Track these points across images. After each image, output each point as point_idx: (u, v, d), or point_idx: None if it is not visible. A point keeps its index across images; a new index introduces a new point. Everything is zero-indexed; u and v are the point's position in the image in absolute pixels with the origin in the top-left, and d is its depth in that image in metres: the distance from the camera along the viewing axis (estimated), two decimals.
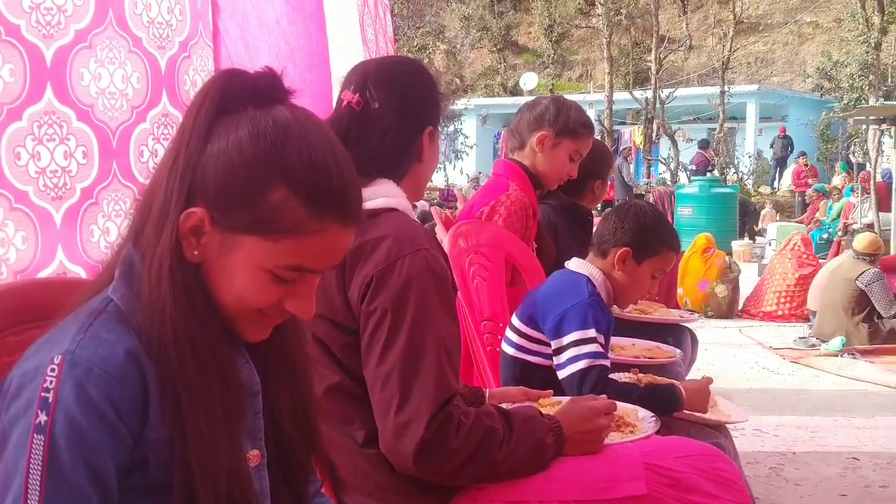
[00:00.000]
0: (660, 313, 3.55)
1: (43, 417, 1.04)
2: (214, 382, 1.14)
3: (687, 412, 2.41)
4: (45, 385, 1.05)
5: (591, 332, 2.37)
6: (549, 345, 2.45)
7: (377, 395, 1.67)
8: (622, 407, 2.06)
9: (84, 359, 1.07)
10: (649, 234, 2.54)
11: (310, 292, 1.20)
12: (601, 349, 2.39)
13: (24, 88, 1.96)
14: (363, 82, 1.86)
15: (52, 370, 1.06)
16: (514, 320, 2.59)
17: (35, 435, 1.04)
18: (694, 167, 17.87)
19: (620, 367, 2.60)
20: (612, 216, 2.62)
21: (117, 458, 1.08)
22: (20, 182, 1.96)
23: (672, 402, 2.34)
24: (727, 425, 2.57)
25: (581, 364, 2.33)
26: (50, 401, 1.05)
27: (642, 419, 2.05)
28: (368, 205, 1.73)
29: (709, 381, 2.50)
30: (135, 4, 2.23)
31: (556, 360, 2.40)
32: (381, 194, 1.79)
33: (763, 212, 17.56)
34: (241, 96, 1.15)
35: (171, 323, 1.12)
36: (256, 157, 1.12)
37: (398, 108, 1.86)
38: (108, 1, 2.15)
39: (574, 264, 2.59)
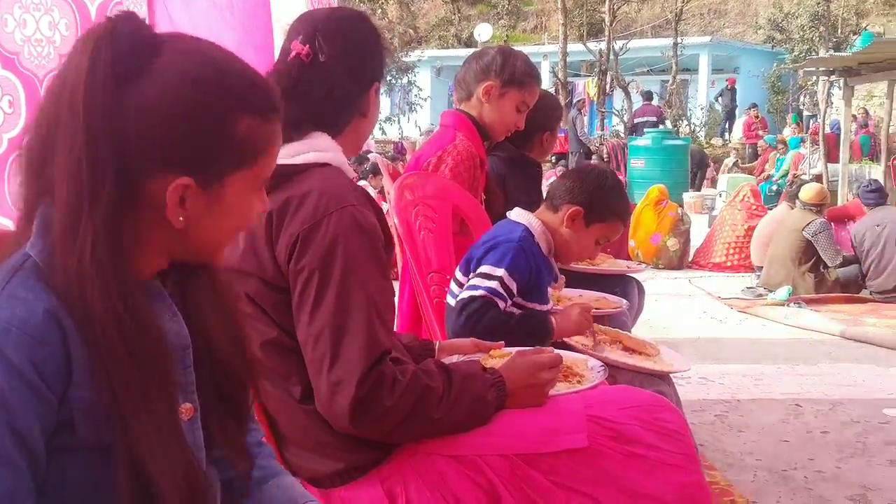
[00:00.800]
0: (607, 264, 3.57)
1: None
2: (144, 345, 1.12)
3: (632, 363, 2.45)
4: None
5: (500, 272, 2.39)
6: None
7: (309, 354, 1.66)
8: (571, 357, 2.08)
9: (2, 319, 1.04)
10: (604, 200, 2.56)
11: (263, 190, 1.25)
12: (501, 290, 2.39)
13: None
14: (312, 33, 1.82)
15: None
16: (456, 272, 2.60)
17: None
18: (645, 119, 17.90)
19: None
20: (573, 174, 2.64)
21: (43, 420, 1.06)
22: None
23: (543, 327, 2.39)
24: (671, 374, 2.62)
25: (476, 292, 2.35)
26: None
27: (591, 369, 2.06)
28: (297, 160, 1.73)
29: (585, 306, 2.55)
30: None
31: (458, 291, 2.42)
32: (311, 149, 1.77)
33: (727, 161, 17.71)
34: (133, 55, 1.10)
35: (96, 288, 1.08)
36: (207, 100, 1.12)
37: (347, 62, 1.84)
38: None
39: (514, 214, 2.61)
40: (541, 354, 1.89)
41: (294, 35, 1.85)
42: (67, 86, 1.09)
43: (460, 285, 2.53)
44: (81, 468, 1.10)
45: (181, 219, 1.13)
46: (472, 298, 2.34)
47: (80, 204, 1.07)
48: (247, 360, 1.32)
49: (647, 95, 19.58)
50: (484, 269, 2.40)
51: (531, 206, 2.70)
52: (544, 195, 2.74)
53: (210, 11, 2.48)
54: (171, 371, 1.16)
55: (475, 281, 2.39)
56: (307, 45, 1.81)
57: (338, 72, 1.82)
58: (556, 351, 1.96)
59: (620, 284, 3.54)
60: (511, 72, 3.19)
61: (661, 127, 17.34)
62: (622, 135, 18.43)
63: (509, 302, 2.43)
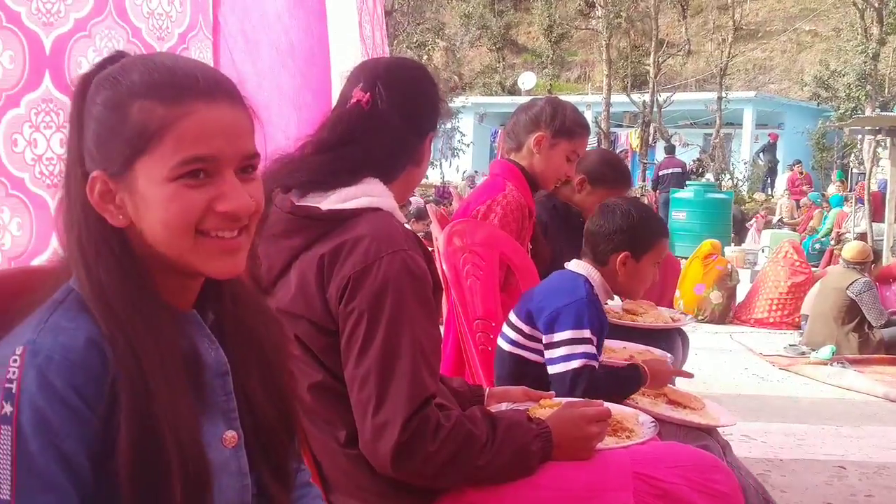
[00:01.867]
0: (650, 315, 3.55)
1: (8, 408, 1.05)
2: (170, 361, 1.14)
3: (677, 417, 2.43)
4: (7, 376, 1.06)
5: (586, 333, 2.40)
6: (541, 341, 2.47)
7: (355, 396, 1.67)
8: (620, 411, 2.06)
9: (45, 347, 1.08)
10: (641, 232, 2.59)
11: (234, 187, 1.17)
12: (594, 350, 2.40)
13: (22, 75, 1.96)
14: (373, 81, 1.85)
15: (15, 361, 1.07)
16: (512, 317, 2.61)
17: (1, 426, 1.05)
18: (670, 171, 17.85)
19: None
20: (598, 221, 2.63)
21: (87, 442, 1.08)
22: (17, 169, 1.96)
23: (637, 382, 2.43)
24: (718, 428, 2.59)
25: (574, 363, 2.35)
26: (14, 391, 1.05)
27: (641, 424, 2.04)
28: (350, 204, 1.75)
29: (664, 359, 2.57)
30: None
31: (549, 355, 2.42)
32: (364, 194, 1.78)
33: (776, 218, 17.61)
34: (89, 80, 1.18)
35: (115, 303, 1.13)
36: (107, 95, 1.15)
37: (405, 111, 1.86)
38: None
39: (573, 265, 2.63)
40: (589, 407, 1.88)
41: (355, 82, 1.88)
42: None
43: (514, 329, 2.54)
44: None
45: (120, 217, 1.16)
46: (578, 372, 2.35)
47: (72, 230, 1.16)
48: (285, 397, 1.33)
49: (670, 149, 19.52)
50: (567, 334, 2.40)
51: (574, 255, 2.72)
52: None
53: (273, 57, 2.54)
54: (203, 386, 1.19)
55: (565, 350, 2.39)
56: (368, 93, 1.83)
57: (395, 120, 1.84)
58: (606, 404, 1.95)
59: (665, 338, 3.51)
60: (561, 122, 3.23)
61: (693, 178, 17.28)
62: (648, 189, 18.35)
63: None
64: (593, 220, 2.66)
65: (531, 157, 3.24)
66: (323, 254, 1.71)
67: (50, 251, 2.03)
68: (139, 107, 1.13)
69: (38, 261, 1.99)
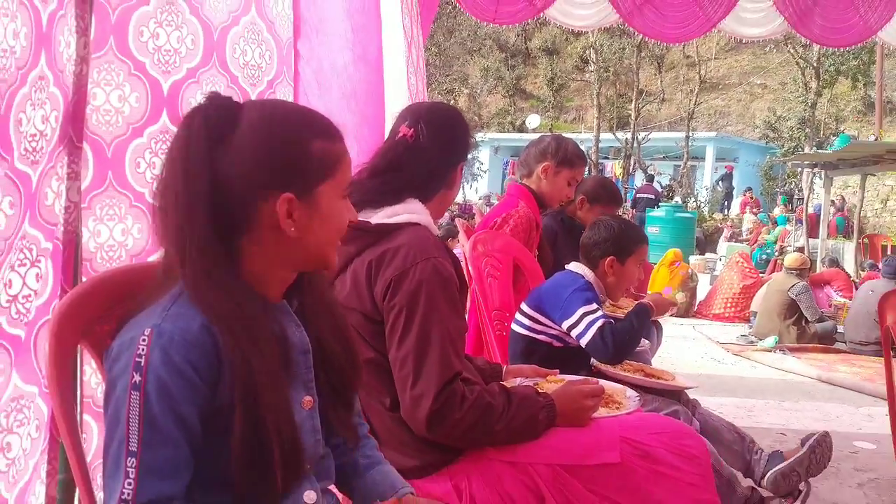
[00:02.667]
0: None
1: (137, 378, 1.06)
2: (269, 345, 1.15)
3: (654, 380, 2.42)
4: (138, 352, 1.07)
5: (594, 305, 2.43)
6: (550, 326, 2.47)
7: (397, 373, 1.67)
8: (611, 387, 2.05)
9: (167, 330, 1.09)
10: (623, 240, 2.59)
11: (350, 204, 1.27)
12: (603, 313, 2.45)
13: (145, 112, 1.98)
14: (417, 120, 1.85)
15: (143, 340, 1.08)
16: (524, 307, 2.61)
17: (132, 392, 1.06)
18: (644, 196, 17.82)
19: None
20: (588, 233, 2.65)
21: (199, 406, 1.09)
22: (139, 185, 1.98)
23: (647, 313, 2.52)
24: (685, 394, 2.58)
25: (597, 324, 2.37)
26: (142, 364, 1.07)
27: (628, 398, 2.02)
28: (394, 220, 1.75)
29: (666, 292, 2.60)
30: (234, 50, 2.24)
31: (575, 332, 2.41)
32: (406, 211, 1.78)
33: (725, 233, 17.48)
34: (221, 121, 1.16)
35: (222, 306, 1.13)
36: (288, 133, 1.16)
37: (441, 144, 1.85)
38: (213, 46, 2.16)
39: (572, 266, 2.64)
40: (587, 385, 1.87)
41: (401, 120, 1.88)
42: (173, 153, 1.15)
43: (526, 316, 2.54)
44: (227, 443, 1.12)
45: (293, 229, 1.16)
46: (601, 330, 2.37)
47: (184, 240, 1.13)
48: (353, 358, 1.34)
49: (650, 178, 19.47)
50: (581, 310, 2.41)
51: (577, 257, 2.72)
52: None
53: (340, 101, 2.55)
54: (290, 363, 1.19)
55: (586, 321, 2.40)
56: (412, 129, 1.83)
57: (433, 151, 1.83)
58: (601, 382, 1.94)
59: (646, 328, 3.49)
60: (563, 154, 3.22)
61: (660, 203, 17.20)
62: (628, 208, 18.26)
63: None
64: (585, 233, 2.67)
65: (539, 182, 3.24)
66: (371, 259, 1.71)
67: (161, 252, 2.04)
68: (319, 145, 1.18)
69: (154, 258, 2.01)
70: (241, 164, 1.14)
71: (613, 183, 3.69)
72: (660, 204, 17.12)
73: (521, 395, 1.76)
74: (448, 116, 1.92)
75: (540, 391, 1.84)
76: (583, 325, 2.38)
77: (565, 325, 2.43)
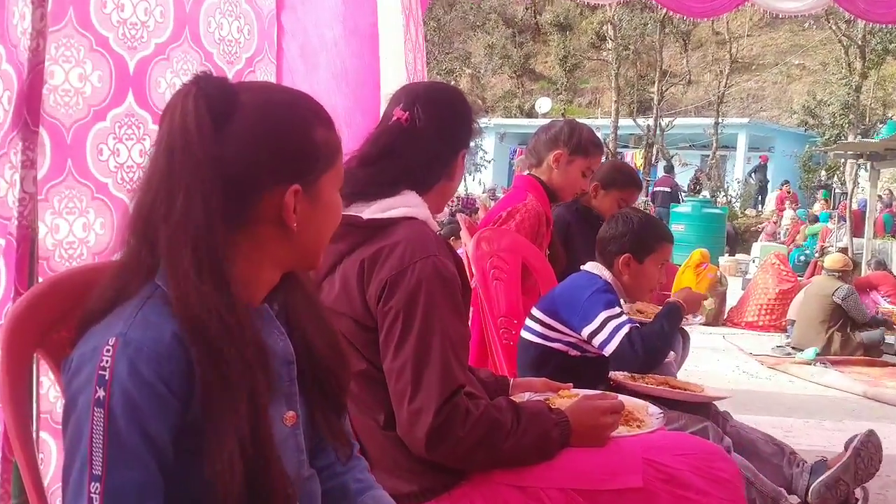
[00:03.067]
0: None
1: (101, 392, 1.06)
2: (248, 356, 1.14)
3: (681, 391, 2.42)
4: (101, 364, 1.07)
5: (617, 309, 2.43)
6: (566, 333, 2.47)
7: (392, 386, 1.66)
8: (632, 403, 2.04)
9: (135, 339, 1.08)
10: (642, 235, 2.58)
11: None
12: (626, 317, 2.45)
13: (109, 93, 1.98)
14: (413, 102, 1.84)
15: (108, 350, 1.07)
16: (535, 312, 2.60)
17: (95, 408, 1.05)
18: (661, 189, 17.86)
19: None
20: (605, 228, 2.65)
21: (169, 424, 1.09)
22: (101, 175, 1.98)
23: (678, 312, 2.51)
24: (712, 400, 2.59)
25: (624, 330, 2.37)
26: (106, 377, 1.06)
27: (650, 415, 2.01)
28: (389, 214, 1.74)
29: (690, 290, 2.70)
30: (209, 23, 2.24)
31: (598, 340, 2.40)
32: (402, 204, 1.77)
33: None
34: (221, 103, 1.16)
35: (206, 314, 1.11)
36: (293, 119, 1.19)
37: (440, 129, 1.84)
38: (186, 19, 2.17)
39: (589, 266, 2.64)
40: (605, 400, 1.87)
41: (395, 103, 1.87)
42: (173, 134, 1.13)
43: (539, 322, 2.53)
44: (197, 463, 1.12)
45: (295, 224, 1.18)
46: (629, 335, 2.37)
47: (187, 230, 1.12)
48: (341, 358, 1.35)
49: (668, 168, 19.53)
50: (603, 315, 2.41)
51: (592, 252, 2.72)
52: None
53: (329, 82, 2.55)
54: (271, 375, 1.19)
55: (611, 326, 2.40)
56: (407, 112, 1.82)
57: (431, 137, 1.82)
58: (620, 397, 1.94)
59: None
60: (578, 141, 3.22)
61: (680, 197, 17.26)
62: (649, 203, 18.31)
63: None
64: (603, 227, 2.66)
65: (550, 172, 3.24)
66: (364, 258, 1.70)
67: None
68: (321, 133, 1.22)
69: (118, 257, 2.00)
70: (245, 152, 1.15)
71: (628, 164, 3.70)
72: (682, 198, 17.15)
73: (532, 410, 1.76)
74: (448, 97, 1.92)
75: (552, 407, 1.84)
76: (607, 332, 2.38)
77: (586, 331, 2.42)
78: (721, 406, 2.67)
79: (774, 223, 17.49)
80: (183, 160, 1.11)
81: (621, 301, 2.55)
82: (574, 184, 3.26)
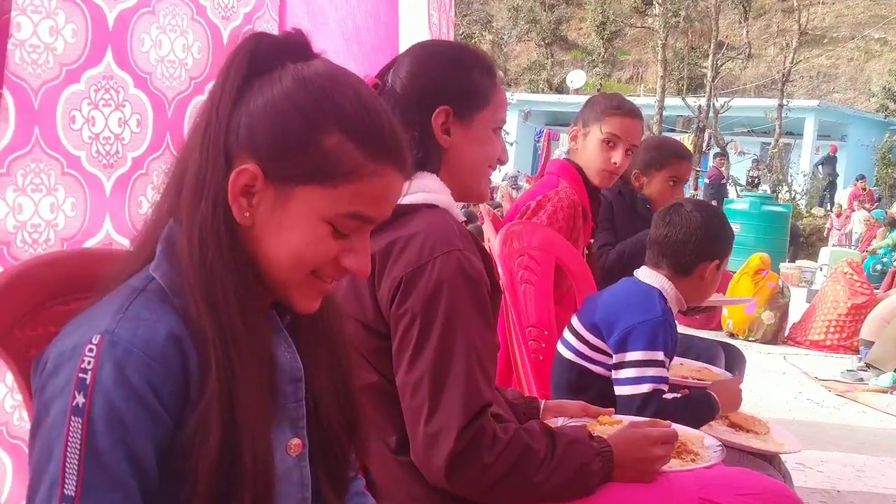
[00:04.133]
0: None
1: (80, 399, 1.04)
2: (261, 365, 1.15)
3: (736, 441, 2.40)
4: (82, 365, 1.05)
5: (659, 355, 2.35)
6: (609, 354, 2.45)
7: (407, 403, 1.65)
8: (685, 432, 2.04)
9: (123, 339, 1.07)
10: (724, 237, 2.57)
11: (366, 247, 1.22)
12: (665, 373, 2.38)
13: (84, 50, 1.98)
14: (391, 65, 1.84)
15: (91, 350, 1.06)
16: (575, 322, 2.56)
17: (72, 417, 1.04)
18: (707, 180, 17.87)
19: (671, 387, 2.59)
20: (677, 228, 2.52)
21: (157, 442, 1.08)
22: (73, 146, 1.98)
23: (710, 411, 2.38)
24: (780, 455, 2.55)
25: (644, 388, 2.31)
26: (88, 382, 1.05)
27: (707, 447, 2.00)
28: (406, 199, 1.68)
29: (738, 380, 2.52)
30: None
31: (616, 374, 2.39)
32: (419, 189, 1.75)
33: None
34: (273, 54, 1.18)
35: (220, 294, 1.12)
36: (307, 102, 1.15)
37: (406, 87, 1.80)
38: None
39: (645, 275, 2.56)
40: (655, 427, 1.86)
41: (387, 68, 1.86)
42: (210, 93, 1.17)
43: (577, 336, 2.51)
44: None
45: (246, 214, 1.15)
46: (647, 397, 2.32)
47: (197, 205, 1.13)
48: (353, 402, 1.33)
49: (719, 156, 19.48)
50: (639, 354, 2.36)
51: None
52: None
53: (338, 42, 2.56)
54: (275, 393, 1.19)
55: (634, 371, 2.35)
56: (377, 77, 1.81)
57: (398, 99, 1.78)
58: (673, 425, 1.93)
59: (706, 351, 3.48)
60: (591, 110, 3.22)
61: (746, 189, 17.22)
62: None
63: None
64: (671, 227, 2.55)
65: (576, 154, 3.25)
66: (375, 252, 1.67)
67: (103, 235, 2.06)
68: (338, 139, 1.15)
69: (91, 243, 2.02)
70: (247, 116, 1.16)
71: (665, 137, 3.66)
72: (739, 193, 17.13)
73: (570, 437, 1.75)
74: (430, 50, 1.87)
75: (593, 434, 1.84)
76: (628, 374, 2.36)
77: (614, 357, 2.42)
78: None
79: (844, 223, 17.45)
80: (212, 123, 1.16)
81: (675, 312, 2.53)
82: (598, 158, 3.17)
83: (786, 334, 8.83)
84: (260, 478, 1.13)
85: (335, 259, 1.19)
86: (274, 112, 1.14)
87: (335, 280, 1.23)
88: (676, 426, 1.97)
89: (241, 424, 1.11)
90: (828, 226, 17.74)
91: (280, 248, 1.16)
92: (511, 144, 26.06)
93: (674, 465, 1.88)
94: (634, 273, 2.60)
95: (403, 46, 2.80)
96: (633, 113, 3.23)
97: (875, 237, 16.08)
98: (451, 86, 1.80)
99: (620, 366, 2.38)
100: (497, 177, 23.92)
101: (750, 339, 8.51)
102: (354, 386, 1.35)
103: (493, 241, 3.02)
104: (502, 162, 1.94)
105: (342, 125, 1.15)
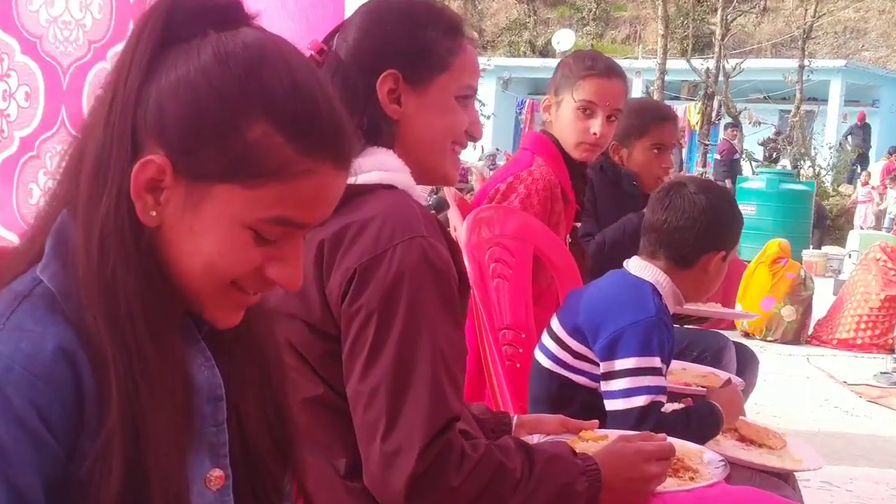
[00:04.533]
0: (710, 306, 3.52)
1: None
2: (174, 386, 1.14)
3: (746, 458, 2.41)
4: None
5: (656, 361, 2.35)
6: (595, 363, 2.44)
7: (360, 417, 1.65)
8: (682, 447, 2.05)
9: (3, 355, 1.06)
10: (732, 224, 2.57)
11: (296, 256, 1.19)
12: (663, 382, 2.37)
13: (108, 28, 1.99)
14: (338, 28, 1.85)
15: None
16: (555, 325, 2.56)
17: None
18: (719, 156, 18.00)
19: (670, 396, 2.60)
20: (679, 213, 2.50)
21: (45, 474, 1.07)
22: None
23: (715, 425, 2.37)
24: (795, 473, 2.57)
25: (640, 400, 2.30)
26: None
27: (707, 463, 2.02)
28: (360, 179, 1.65)
29: (735, 387, 2.56)
30: None
31: (605, 387, 2.38)
32: (375, 167, 1.75)
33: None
34: (193, 19, 1.15)
35: (123, 305, 1.10)
36: (227, 84, 1.11)
37: (351, 50, 1.81)
38: None
39: (636, 266, 2.55)
40: (648, 441, 1.87)
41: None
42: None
43: (558, 342, 2.50)
44: None
45: (152, 213, 1.12)
46: (644, 411, 2.31)
47: (99, 199, 1.11)
48: (286, 424, 1.33)
49: (731, 127, 19.63)
50: (631, 362, 2.35)
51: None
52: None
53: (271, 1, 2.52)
54: (192, 414, 1.18)
55: (627, 382, 2.34)
56: (324, 43, 1.82)
57: (341, 66, 1.79)
58: (670, 439, 1.94)
59: (713, 346, 3.50)
60: (562, 74, 3.22)
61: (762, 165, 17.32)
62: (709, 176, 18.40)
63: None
64: (672, 211, 2.52)
65: (551, 127, 3.26)
66: (322, 239, 1.68)
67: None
68: (263, 130, 1.11)
69: None
70: (157, 93, 1.13)
71: (642, 98, 3.64)
72: (754, 169, 17.22)
73: (550, 454, 1.76)
74: (379, 7, 1.87)
75: (577, 452, 1.84)
76: (620, 385, 2.35)
77: (601, 366, 2.41)
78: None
79: (870, 197, 17.55)
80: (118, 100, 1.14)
81: (670, 309, 2.52)
82: (570, 129, 3.18)
83: (809, 332, 8.89)
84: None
85: (258, 269, 1.17)
86: (187, 93, 1.11)
87: (260, 292, 1.21)
88: (672, 439, 1.98)
89: (148, 457, 1.10)
90: (853, 199, 17.82)
91: (192, 255, 1.14)
92: (488, 118, 26.09)
93: (670, 484, 1.89)
94: (624, 264, 2.59)
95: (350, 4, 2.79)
96: (609, 72, 3.22)
97: None
98: (399, 46, 1.80)
99: (610, 376, 2.38)
100: (474, 156, 23.99)
101: (768, 338, 8.56)
102: (288, 404, 1.34)
103: (459, 230, 3.02)
104: (473, 137, 1.94)
105: (269, 113, 1.11)
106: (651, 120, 3.67)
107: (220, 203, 1.12)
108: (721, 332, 3.64)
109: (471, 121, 1.89)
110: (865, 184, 18.50)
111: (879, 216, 17.52)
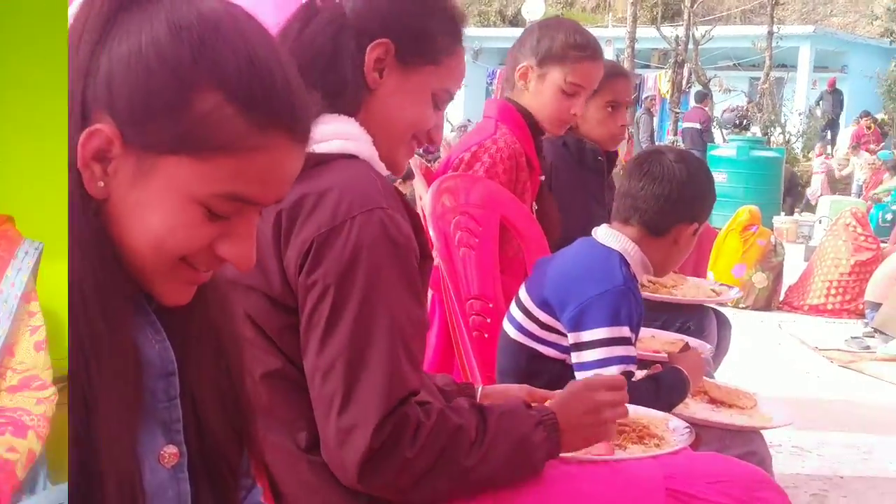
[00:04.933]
0: (687, 287, 3.53)
1: None
2: (125, 362, 1.13)
3: (717, 420, 2.42)
4: None
5: (625, 330, 2.36)
6: (563, 334, 2.43)
7: (316, 390, 1.65)
8: (648, 414, 2.06)
9: None
10: (706, 195, 2.57)
11: (249, 232, 1.18)
12: (633, 351, 2.39)
13: None
14: None
15: None
16: (523, 295, 2.55)
17: None
18: (690, 126, 18.00)
19: (639, 363, 2.60)
20: (654, 181, 2.49)
21: None
22: None
23: (682, 389, 2.40)
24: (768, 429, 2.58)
25: (612, 370, 2.31)
26: None
27: (672, 430, 2.04)
28: (319, 147, 1.68)
29: (698, 351, 2.61)
30: None
31: (577, 358, 2.38)
32: (336, 135, 1.74)
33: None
34: None
35: (75, 279, 1.09)
36: (180, 54, 1.09)
37: (357, 9, 1.80)
38: None
39: (604, 235, 2.54)
40: (599, 377, 1.89)
41: None
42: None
43: (526, 313, 2.50)
44: None
45: (100, 184, 1.11)
46: None
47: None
48: (242, 400, 1.32)
49: (699, 97, 19.61)
50: (601, 332, 2.36)
51: (593, 210, 2.67)
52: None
53: None
54: (142, 391, 1.17)
55: (599, 353, 2.36)
56: None
57: (337, 19, 1.78)
58: (634, 408, 1.94)
59: (696, 316, 3.51)
60: (548, 46, 3.18)
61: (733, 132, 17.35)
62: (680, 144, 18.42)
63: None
64: (649, 178, 2.49)
65: (522, 95, 3.22)
66: (281, 209, 1.66)
67: None
68: (215, 102, 1.09)
69: None
70: (108, 63, 1.11)
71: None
72: (724, 137, 17.27)
73: (503, 409, 1.77)
74: None
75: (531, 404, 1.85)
76: (591, 357, 2.36)
77: (570, 337, 2.41)
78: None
79: (826, 170, 17.61)
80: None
81: (640, 281, 2.52)
82: (552, 107, 3.18)
83: (780, 299, 8.94)
84: (126, 497, 1.11)
85: (209, 246, 1.15)
86: (137, 62, 1.09)
87: (211, 269, 1.19)
88: (637, 407, 1.98)
89: (98, 433, 1.08)
90: (814, 169, 17.93)
91: (140, 230, 1.12)
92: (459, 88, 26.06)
93: (635, 451, 1.91)
94: (593, 233, 2.58)
95: None
96: (600, 55, 3.26)
97: (881, 183, 16.35)
98: (405, 21, 1.81)
99: (581, 346, 2.38)
100: (445, 128, 23.94)
101: (740, 305, 8.58)
102: (244, 381, 1.33)
103: (424, 199, 3.00)
104: (431, 140, 1.95)
105: (222, 84, 1.09)
106: (604, 77, 3.55)
107: (170, 176, 1.10)
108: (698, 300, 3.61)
109: (436, 123, 1.90)
110: (820, 154, 18.57)
111: (843, 181, 17.58)
